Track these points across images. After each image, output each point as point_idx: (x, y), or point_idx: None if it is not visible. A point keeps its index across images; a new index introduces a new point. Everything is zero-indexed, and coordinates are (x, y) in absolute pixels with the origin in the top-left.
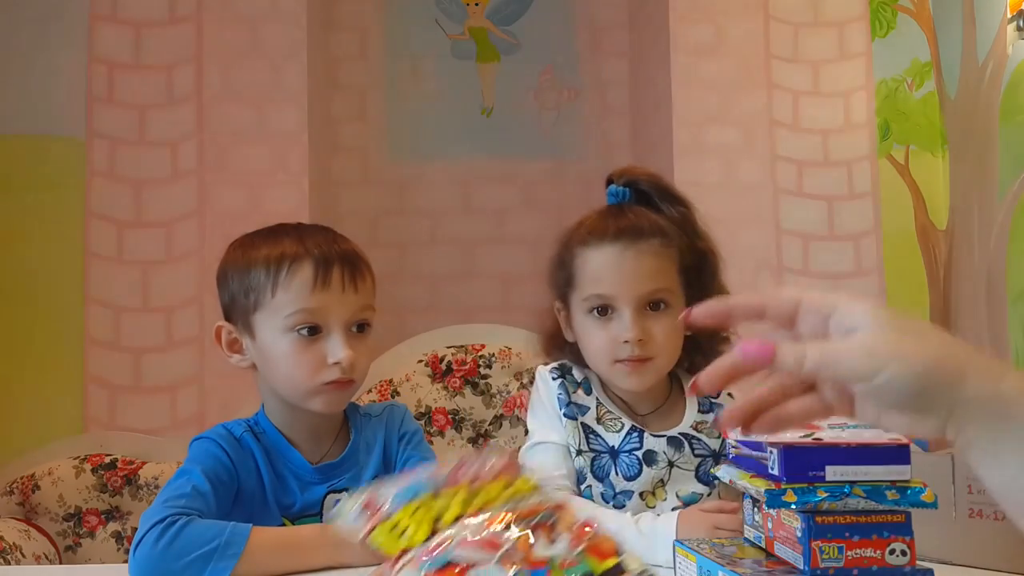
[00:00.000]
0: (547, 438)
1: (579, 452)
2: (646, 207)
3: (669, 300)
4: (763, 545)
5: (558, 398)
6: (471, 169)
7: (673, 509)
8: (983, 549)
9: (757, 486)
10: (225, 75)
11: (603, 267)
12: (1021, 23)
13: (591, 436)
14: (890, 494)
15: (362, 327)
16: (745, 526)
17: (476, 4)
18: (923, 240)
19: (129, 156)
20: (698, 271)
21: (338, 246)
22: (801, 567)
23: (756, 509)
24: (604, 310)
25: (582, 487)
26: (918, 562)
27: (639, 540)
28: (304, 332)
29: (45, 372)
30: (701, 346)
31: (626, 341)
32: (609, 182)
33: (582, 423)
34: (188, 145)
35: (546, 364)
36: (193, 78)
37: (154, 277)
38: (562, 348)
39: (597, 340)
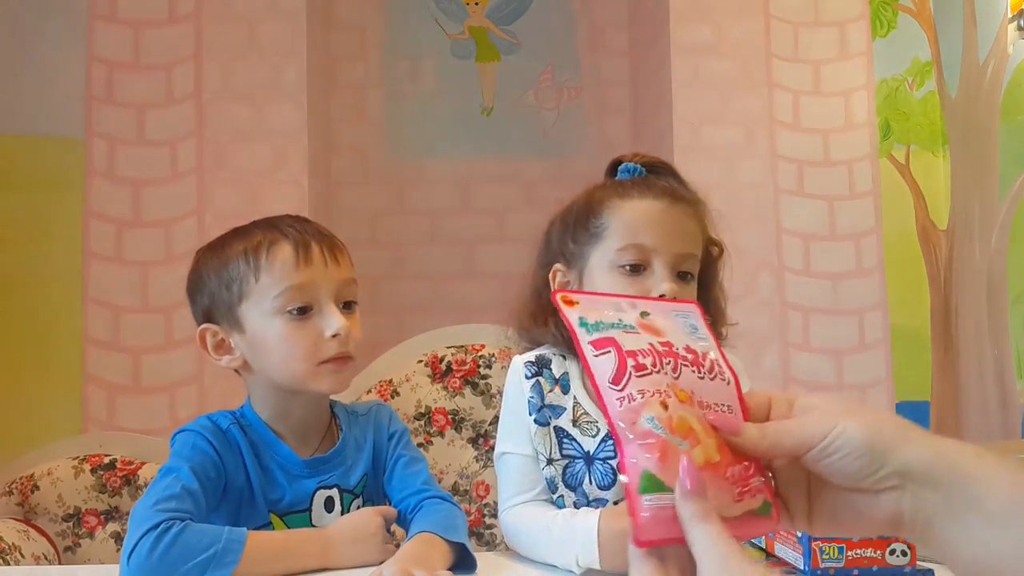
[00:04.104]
0: (513, 449)
1: (550, 461)
2: None
3: (694, 272)
4: (763, 545)
5: (529, 401)
6: (471, 169)
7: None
8: None
9: None
10: (224, 74)
11: (646, 217)
12: (1022, 23)
13: (565, 441)
14: None
15: (349, 304)
16: None
17: (476, 3)
18: (924, 240)
19: (128, 156)
20: (707, 261)
21: (311, 226)
22: (802, 567)
23: None
24: (637, 268)
25: (555, 496)
26: (918, 562)
27: (550, 545)
28: (294, 311)
29: (44, 372)
30: None
31: (662, 295)
32: (617, 163)
33: (555, 427)
34: (187, 144)
35: (523, 353)
36: (192, 77)
37: (153, 277)
38: (546, 323)
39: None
